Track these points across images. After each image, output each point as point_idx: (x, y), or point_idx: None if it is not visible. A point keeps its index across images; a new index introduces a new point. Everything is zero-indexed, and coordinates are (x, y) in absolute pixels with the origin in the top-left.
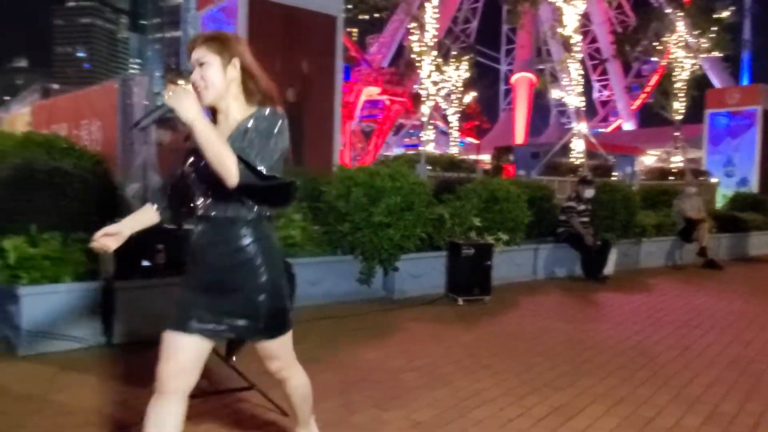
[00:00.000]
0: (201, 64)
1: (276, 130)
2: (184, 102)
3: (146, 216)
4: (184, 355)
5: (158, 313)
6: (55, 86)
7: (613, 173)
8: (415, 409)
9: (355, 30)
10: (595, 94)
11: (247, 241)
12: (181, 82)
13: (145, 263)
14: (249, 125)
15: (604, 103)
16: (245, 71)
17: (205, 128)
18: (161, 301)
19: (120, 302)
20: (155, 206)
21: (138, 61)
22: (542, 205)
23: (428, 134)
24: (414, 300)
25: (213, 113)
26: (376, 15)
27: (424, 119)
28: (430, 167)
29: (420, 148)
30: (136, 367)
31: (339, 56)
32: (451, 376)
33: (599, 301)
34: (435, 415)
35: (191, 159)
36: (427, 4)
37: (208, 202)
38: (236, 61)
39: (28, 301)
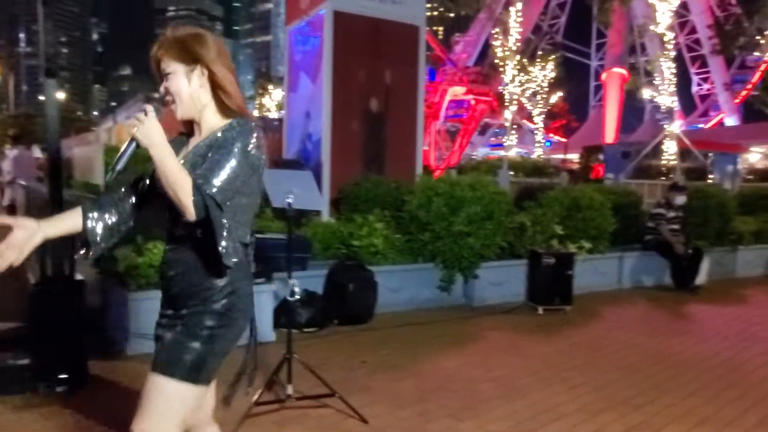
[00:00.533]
0: (166, 75)
1: (238, 149)
2: (142, 128)
3: (71, 222)
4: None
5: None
6: (156, 95)
7: (710, 175)
8: (490, 420)
9: (440, 28)
10: (694, 88)
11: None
12: (146, 106)
13: None
14: (214, 142)
15: (704, 97)
16: (212, 79)
17: (161, 157)
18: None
19: None
20: (90, 214)
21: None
22: (628, 211)
23: (511, 139)
24: (494, 308)
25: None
26: (462, 13)
27: (507, 124)
28: (512, 173)
29: (502, 153)
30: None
31: (422, 65)
32: (528, 387)
33: (688, 313)
34: (510, 427)
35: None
36: (511, 8)
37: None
38: (201, 68)
39: (134, 306)
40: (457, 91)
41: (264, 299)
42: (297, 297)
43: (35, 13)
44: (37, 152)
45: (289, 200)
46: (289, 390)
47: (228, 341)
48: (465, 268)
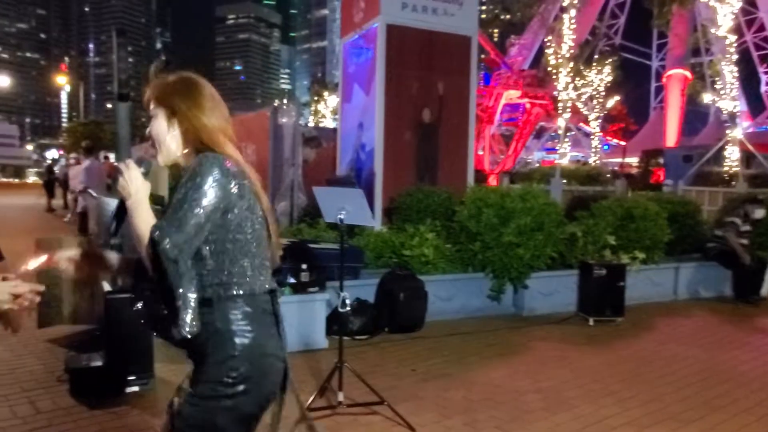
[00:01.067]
0: (151, 117)
1: (195, 188)
2: (121, 180)
3: None
4: None
5: (305, 326)
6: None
7: None
8: None
9: (496, 31)
10: (763, 88)
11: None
12: (128, 159)
13: (291, 280)
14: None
15: None
16: (191, 128)
17: (133, 208)
18: (307, 315)
19: None
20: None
21: (287, 71)
22: (686, 221)
23: (565, 147)
24: (544, 318)
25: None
26: (518, 15)
27: (561, 132)
28: (565, 181)
29: (556, 160)
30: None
31: (474, 75)
32: (575, 400)
33: (746, 326)
34: None
35: None
36: (564, 15)
37: None
38: (179, 116)
39: None
40: (512, 95)
41: (317, 307)
42: (348, 309)
43: (103, 25)
44: (101, 158)
45: (341, 216)
46: (340, 397)
47: (242, 409)
48: (515, 278)
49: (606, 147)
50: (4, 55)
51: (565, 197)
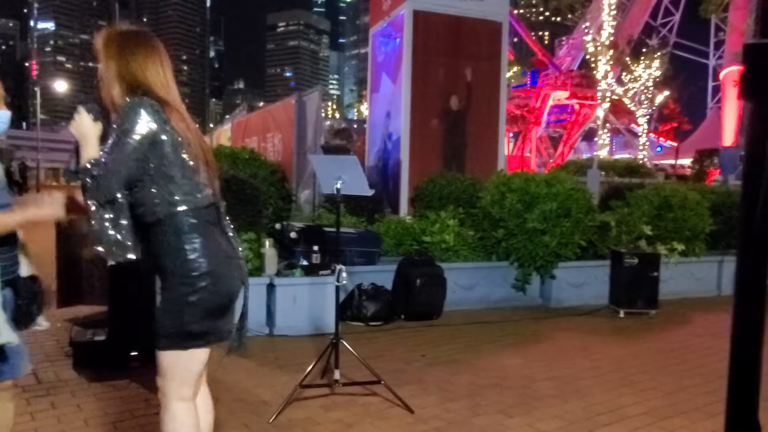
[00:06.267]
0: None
1: (121, 127)
2: (74, 123)
3: None
4: None
5: (316, 309)
6: (261, 104)
7: None
8: (541, 418)
9: (546, 33)
10: None
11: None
12: (78, 106)
13: (303, 262)
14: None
15: None
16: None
17: (82, 146)
18: (319, 297)
19: (279, 298)
20: None
21: (336, 76)
22: (732, 212)
23: (603, 138)
24: (572, 310)
25: None
26: (569, 16)
27: (599, 122)
28: (602, 172)
29: (594, 153)
30: (290, 354)
31: (504, 61)
32: (589, 389)
33: None
34: (560, 427)
35: None
36: (604, 1)
37: None
38: (106, 61)
39: None
40: (559, 96)
41: (329, 291)
42: (344, 282)
43: (160, 35)
44: None
45: (338, 186)
46: (337, 375)
47: (203, 304)
48: (541, 267)
49: (659, 148)
50: (68, 65)
51: (602, 189)
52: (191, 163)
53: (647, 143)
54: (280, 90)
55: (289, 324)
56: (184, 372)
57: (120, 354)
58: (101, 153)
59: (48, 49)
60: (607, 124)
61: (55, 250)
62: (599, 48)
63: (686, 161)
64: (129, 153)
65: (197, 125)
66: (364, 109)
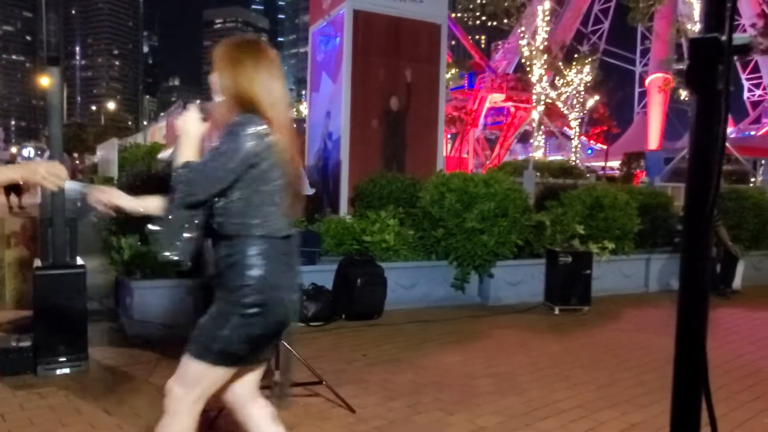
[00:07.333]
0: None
1: (224, 141)
2: (180, 118)
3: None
4: None
5: None
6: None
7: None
8: (481, 414)
9: (483, 37)
10: (746, 94)
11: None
12: (190, 104)
13: None
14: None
15: (756, 104)
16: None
17: (181, 142)
18: None
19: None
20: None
21: None
22: (658, 213)
23: (538, 140)
24: (509, 308)
25: None
26: (505, 21)
27: (534, 125)
28: (538, 173)
29: (530, 155)
30: None
31: (443, 64)
32: (527, 385)
33: (715, 317)
34: (500, 422)
35: None
36: (539, 7)
37: None
38: (219, 74)
39: (138, 293)
40: (496, 98)
41: None
42: None
43: (90, 28)
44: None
45: None
46: (277, 376)
47: (250, 330)
48: (479, 266)
49: (590, 151)
50: None
51: (537, 190)
52: (280, 192)
53: (579, 146)
54: None
55: None
56: (208, 385)
57: (47, 361)
58: (200, 160)
59: None
60: (542, 127)
61: None
62: (534, 52)
63: (615, 163)
64: (225, 173)
65: (297, 142)
66: (303, 108)
